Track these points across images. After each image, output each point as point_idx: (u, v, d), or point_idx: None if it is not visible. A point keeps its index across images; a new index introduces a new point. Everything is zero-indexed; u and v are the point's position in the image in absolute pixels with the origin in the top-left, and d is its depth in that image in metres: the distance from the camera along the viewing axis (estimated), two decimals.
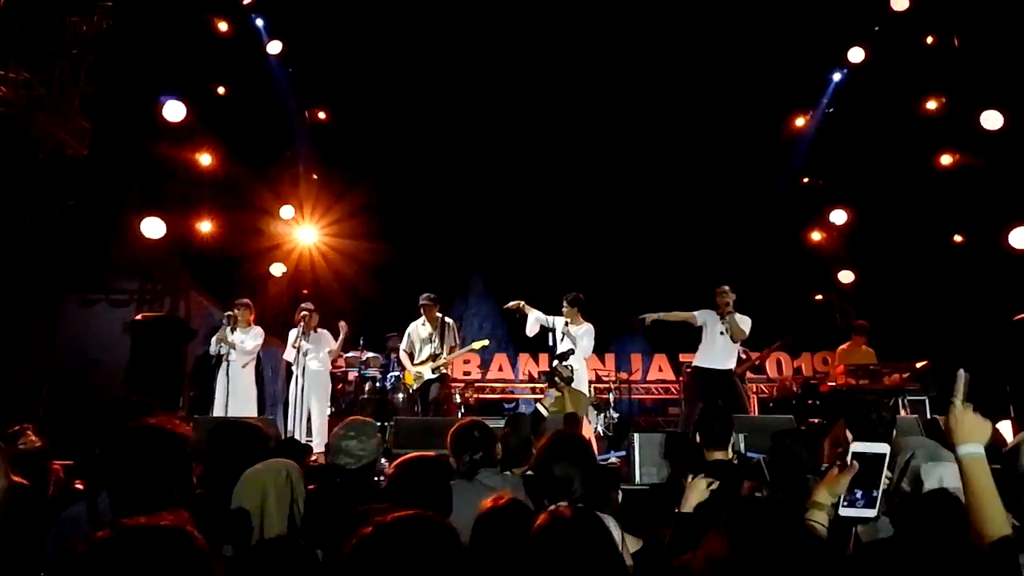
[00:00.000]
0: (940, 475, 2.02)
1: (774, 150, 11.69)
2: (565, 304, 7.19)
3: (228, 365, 7.12)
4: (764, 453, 4.05)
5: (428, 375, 7.73)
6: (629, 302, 10.72)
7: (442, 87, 10.94)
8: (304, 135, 11.46)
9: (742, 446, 4.77)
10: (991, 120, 8.61)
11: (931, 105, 10.00)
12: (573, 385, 6.83)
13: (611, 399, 9.73)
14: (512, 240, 11.78)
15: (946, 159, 9.89)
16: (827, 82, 11.39)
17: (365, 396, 8.75)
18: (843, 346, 8.90)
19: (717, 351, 7.02)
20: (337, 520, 2.12)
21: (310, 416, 7.61)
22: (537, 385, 11.17)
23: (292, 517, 2.30)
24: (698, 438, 3.71)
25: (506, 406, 11.22)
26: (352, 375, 9.29)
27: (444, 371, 7.88)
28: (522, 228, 11.78)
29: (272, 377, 9.35)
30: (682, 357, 10.97)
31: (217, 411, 7.01)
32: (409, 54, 10.48)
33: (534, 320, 7.32)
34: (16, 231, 8.13)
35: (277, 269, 10.39)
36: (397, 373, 8.35)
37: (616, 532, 2.38)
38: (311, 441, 7.25)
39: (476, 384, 11.36)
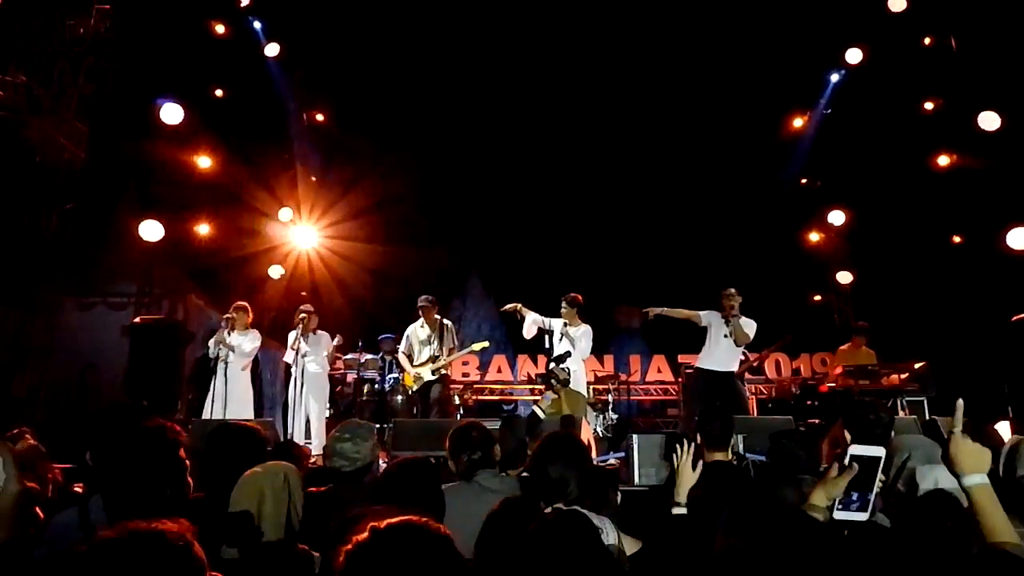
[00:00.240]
0: (936, 477, 2.02)
1: (772, 151, 11.70)
2: (564, 305, 7.20)
3: (226, 368, 7.11)
4: (763, 454, 4.06)
5: (428, 376, 7.73)
6: (628, 303, 10.76)
7: (441, 89, 10.94)
8: (302, 137, 11.46)
9: (741, 447, 4.78)
10: (988, 121, 8.62)
11: (929, 106, 10.02)
12: (572, 386, 6.84)
13: (610, 400, 9.73)
14: (511, 241, 11.77)
15: (944, 160, 9.90)
16: (825, 83, 11.42)
17: (364, 398, 8.74)
18: (843, 347, 8.90)
19: (720, 353, 7.00)
20: (332, 524, 2.11)
21: (308, 418, 7.61)
22: (536, 387, 11.16)
23: (289, 520, 2.29)
24: (698, 439, 3.71)
25: (505, 407, 11.21)
26: (351, 377, 9.29)
27: (444, 372, 7.89)
28: (521, 229, 11.78)
29: (271, 379, 9.35)
30: (681, 358, 10.97)
31: (211, 413, 6.98)
32: (407, 55, 10.49)
33: (531, 322, 7.33)
34: (14, 234, 8.13)
35: (275, 271, 10.39)
36: (396, 375, 8.34)
37: (613, 534, 2.38)
38: (309, 443, 7.25)
39: (475, 386, 11.36)
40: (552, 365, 6.42)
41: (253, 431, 3.22)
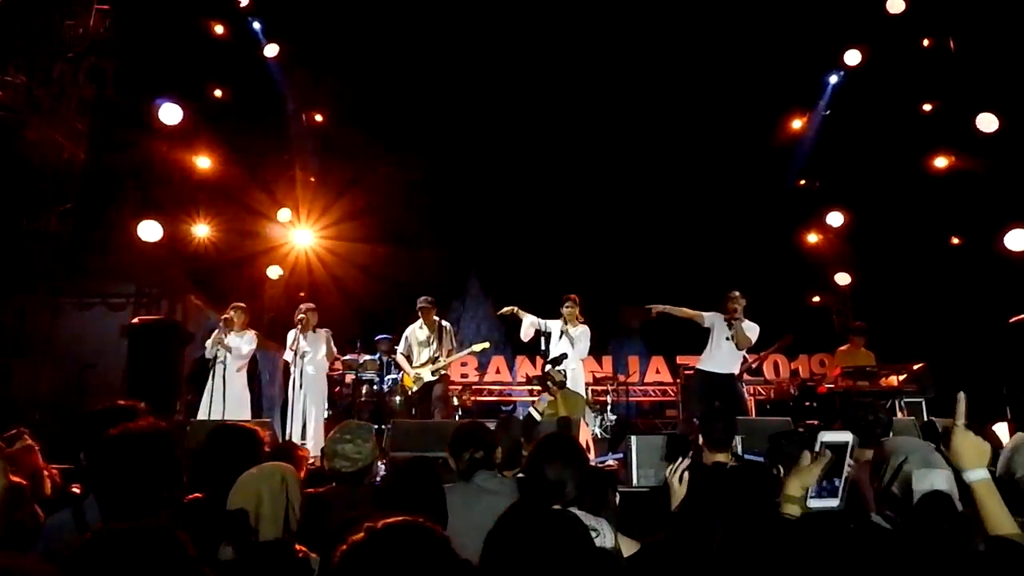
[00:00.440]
0: (932, 481, 2.02)
1: (771, 152, 11.71)
2: (566, 305, 7.21)
3: (224, 368, 7.10)
4: (761, 455, 4.06)
5: (427, 377, 7.74)
6: (627, 304, 10.77)
7: (440, 89, 10.94)
8: (301, 137, 11.46)
9: (739, 448, 4.77)
10: (987, 123, 8.63)
11: (927, 107, 10.02)
12: (570, 387, 6.85)
13: (608, 401, 9.73)
14: (509, 242, 11.78)
15: (942, 161, 9.91)
16: (824, 85, 11.43)
17: (362, 399, 8.72)
18: (841, 348, 8.89)
19: (721, 355, 6.97)
20: (332, 525, 2.11)
21: (306, 419, 7.59)
22: (535, 388, 11.16)
23: (287, 521, 2.29)
24: (700, 440, 3.71)
25: (503, 408, 11.21)
26: (349, 378, 9.28)
27: (444, 372, 7.90)
28: (520, 230, 11.78)
29: (269, 380, 9.34)
30: (679, 359, 10.96)
31: (206, 414, 6.95)
32: (407, 56, 10.48)
33: (529, 324, 7.35)
34: (13, 235, 8.13)
35: (274, 272, 10.38)
36: (395, 376, 8.34)
37: (610, 535, 2.38)
38: (305, 444, 7.23)
39: (473, 387, 11.36)
40: (548, 367, 6.43)
41: (251, 432, 3.21)
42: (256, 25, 10.34)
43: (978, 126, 8.70)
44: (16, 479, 3.09)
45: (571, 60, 10.71)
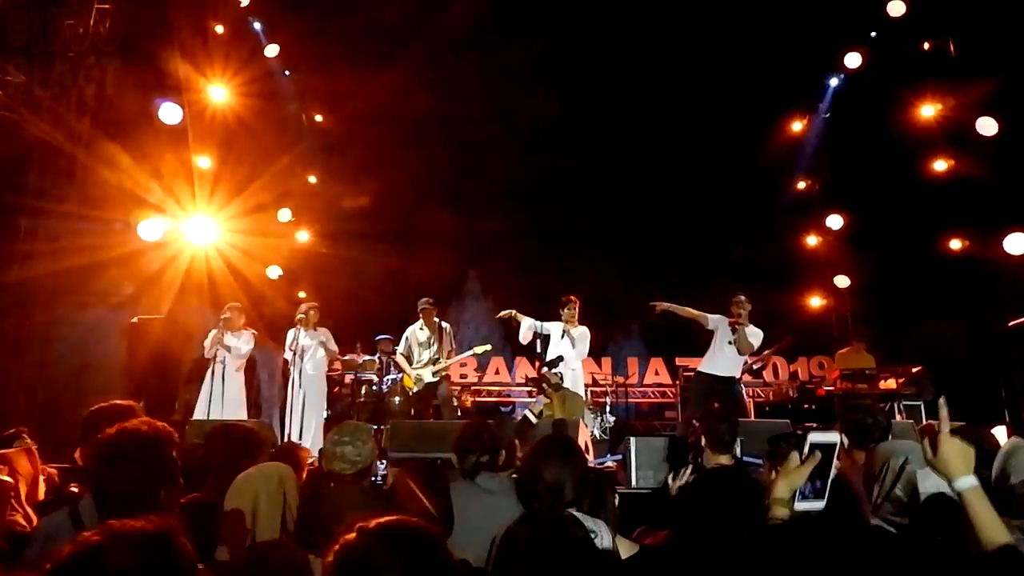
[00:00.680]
0: (937, 481, 2.00)
1: (771, 154, 11.71)
2: (566, 307, 7.21)
3: (223, 368, 7.11)
4: (760, 457, 4.06)
5: (428, 378, 7.75)
6: (626, 306, 10.78)
7: (440, 90, 10.93)
8: (301, 137, 11.47)
9: (738, 450, 4.77)
10: (987, 126, 8.63)
11: (927, 111, 10.03)
12: (571, 388, 6.86)
13: (607, 402, 9.73)
14: (509, 243, 11.77)
15: (942, 165, 9.91)
16: (824, 87, 11.44)
17: (361, 399, 8.73)
18: (842, 350, 8.90)
19: (723, 359, 6.94)
20: (332, 525, 2.11)
21: (304, 419, 7.59)
22: (533, 389, 11.16)
23: (284, 522, 2.29)
24: (703, 442, 3.70)
25: (503, 409, 11.22)
26: (348, 378, 9.28)
27: (445, 373, 7.93)
28: (519, 231, 11.78)
29: (268, 380, 9.33)
30: (679, 361, 10.97)
31: (204, 413, 6.95)
32: (406, 54, 10.47)
33: (527, 327, 7.38)
34: (14, 235, 8.13)
35: (273, 272, 10.38)
36: (394, 376, 8.34)
37: (608, 537, 2.37)
38: (305, 444, 7.23)
39: (473, 387, 11.36)
40: (544, 370, 6.44)
41: (251, 432, 3.22)
42: (256, 25, 10.35)
43: (978, 129, 8.70)
44: (4, 477, 3.09)
45: (573, 59, 10.71)
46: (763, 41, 10.04)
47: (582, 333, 7.22)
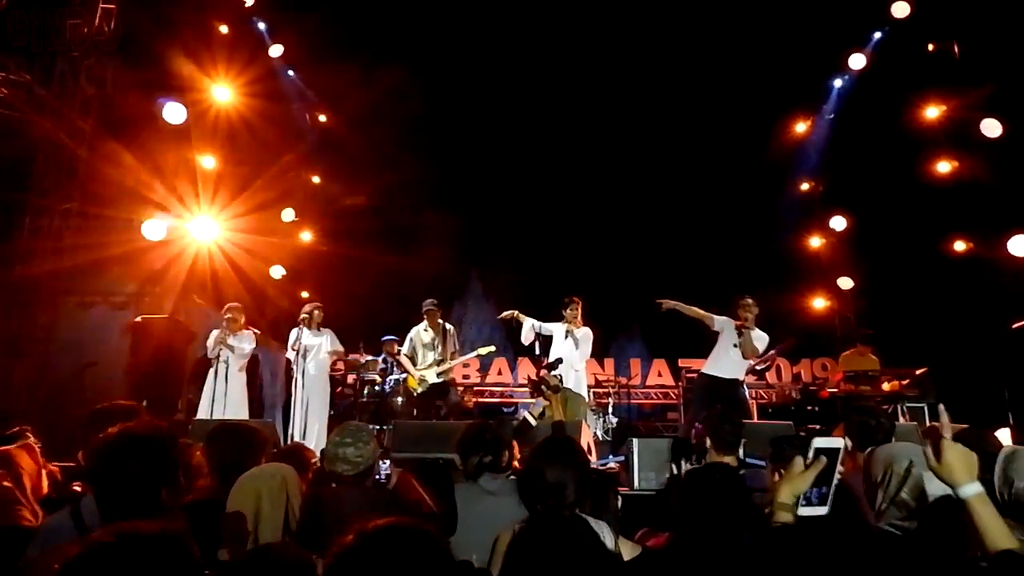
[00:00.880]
0: (943, 484, 1.98)
1: (774, 156, 11.70)
2: (568, 308, 7.20)
3: (226, 368, 7.11)
4: (763, 459, 4.04)
5: (432, 379, 7.76)
6: (627, 307, 10.76)
7: (440, 90, 10.94)
8: (304, 137, 11.47)
9: (741, 452, 4.76)
10: (991, 128, 8.61)
11: (931, 112, 10.01)
12: (574, 389, 6.85)
13: (610, 404, 9.72)
14: (509, 243, 11.77)
15: (945, 166, 9.89)
16: (828, 88, 11.43)
17: (364, 400, 8.73)
18: (846, 352, 8.86)
19: (728, 361, 6.86)
20: (334, 526, 2.10)
21: (307, 419, 7.59)
22: (534, 391, 11.15)
23: (287, 522, 2.28)
24: (707, 442, 3.69)
25: (505, 410, 11.21)
26: (351, 378, 9.27)
27: (449, 374, 7.94)
28: (521, 232, 11.78)
29: (271, 380, 9.33)
30: (681, 362, 10.95)
31: (207, 413, 6.95)
32: (407, 54, 10.47)
33: (529, 328, 7.37)
34: (15, 234, 8.14)
35: (277, 271, 10.38)
36: (397, 376, 8.34)
37: (610, 538, 2.36)
38: (308, 444, 7.23)
39: (475, 388, 11.35)
40: (543, 371, 6.43)
41: (254, 431, 3.21)
42: (260, 25, 10.36)
43: (982, 131, 8.68)
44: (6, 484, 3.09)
45: (577, 63, 10.71)
46: (767, 42, 10.04)
47: (585, 334, 7.20)
